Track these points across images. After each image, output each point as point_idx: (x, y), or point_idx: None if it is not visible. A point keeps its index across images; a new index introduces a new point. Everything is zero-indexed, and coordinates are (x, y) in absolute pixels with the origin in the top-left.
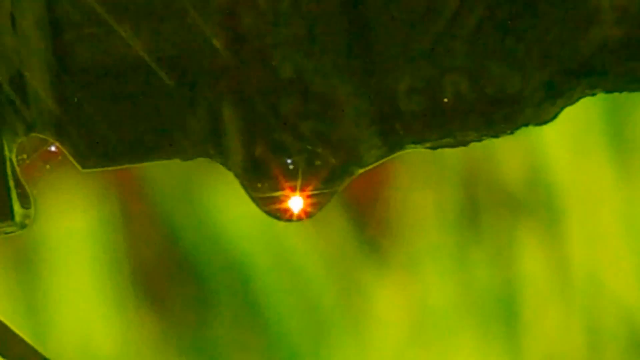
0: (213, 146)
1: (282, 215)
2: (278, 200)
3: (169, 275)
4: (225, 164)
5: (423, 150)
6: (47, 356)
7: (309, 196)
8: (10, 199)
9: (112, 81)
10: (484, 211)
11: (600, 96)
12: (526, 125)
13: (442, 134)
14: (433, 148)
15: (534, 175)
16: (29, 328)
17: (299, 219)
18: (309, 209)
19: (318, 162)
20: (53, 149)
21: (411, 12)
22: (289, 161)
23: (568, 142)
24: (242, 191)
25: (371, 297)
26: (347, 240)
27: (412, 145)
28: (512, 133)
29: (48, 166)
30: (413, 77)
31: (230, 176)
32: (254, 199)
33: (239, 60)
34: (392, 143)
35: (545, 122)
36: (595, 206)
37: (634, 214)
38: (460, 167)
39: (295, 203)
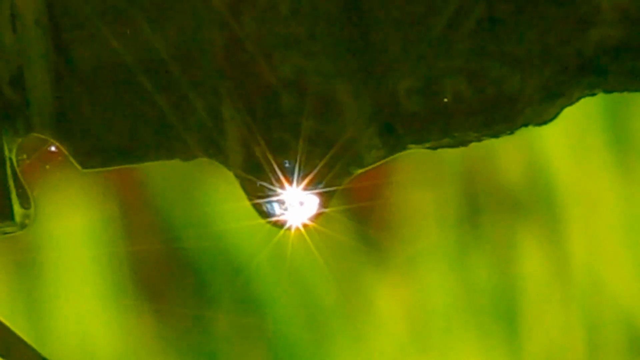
0: (213, 146)
1: (280, 215)
2: (277, 200)
3: (169, 275)
4: (225, 163)
5: (423, 150)
6: (47, 356)
7: (308, 196)
8: (10, 199)
9: (112, 81)
10: (484, 211)
11: (600, 96)
12: (526, 125)
13: (442, 134)
14: (433, 148)
15: (534, 175)
16: (29, 328)
17: (299, 219)
18: (308, 209)
19: (318, 162)
20: (53, 149)
21: (411, 12)
22: (288, 161)
23: (568, 142)
24: (242, 191)
25: (371, 297)
26: (348, 240)
27: (412, 145)
28: (512, 133)
29: (48, 166)
30: (413, 77)
31: (230, 176)
32: (251, 198)
33: (239, 60)
34: (392, 143)
35: (545, 122)
36: (595, 206)
37: (634, 214)
38: (460, 167)
39: (295, 203)
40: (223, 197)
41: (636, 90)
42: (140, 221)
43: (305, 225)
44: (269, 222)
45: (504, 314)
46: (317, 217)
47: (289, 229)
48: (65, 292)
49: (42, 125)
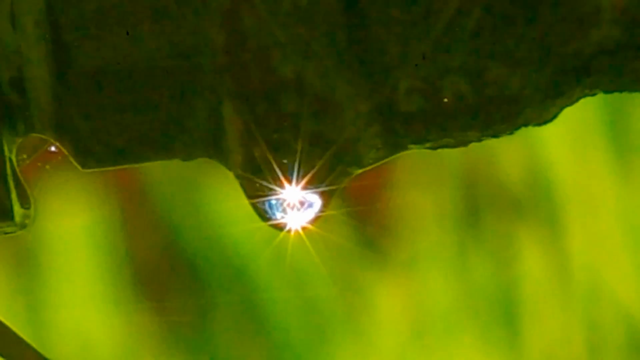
0: (213, 146)
1: (280, 216)
2: (276, 200)
3: (169, 275)
4: (225, 164)
5: (423, 150)
6: (47, 356)
7: (308, 196)
8: (10, 199)
9: (112, 81)
10: (484, 211)
11: (600, 96)
12: (526, 125)
13: (442, 134)
14: (433, 148)
15: (534, 175)
16: (29, 328)
17: (298, 221)
18: (308, 211)
19: (317, 163)
20: (53, 149)
21: (411, 12)
22: (288, 161)
23: (568, 142)
24: (241, 192)
25: (371, 297)
26: (347, 240)
27: (412, 146)
28: (512, 133)
29: (48, 166)
30: (413, 77)
31: (230, 176)
32: (250, 198)
33: (239, 60)
34: (392, 143)
35: (545, 122)
36: (595, 206)
37: (634, 214)
38: (460, 168)
39: (294, 204)
40: (223, 198)
41: (636, 91)
42: (140, 221)
43: (304, 228)
44: (269, 225)
45: (504, 314)
46: (316, 219)
47: (289, 231)
48: (65, 292)
49: (42, 125)
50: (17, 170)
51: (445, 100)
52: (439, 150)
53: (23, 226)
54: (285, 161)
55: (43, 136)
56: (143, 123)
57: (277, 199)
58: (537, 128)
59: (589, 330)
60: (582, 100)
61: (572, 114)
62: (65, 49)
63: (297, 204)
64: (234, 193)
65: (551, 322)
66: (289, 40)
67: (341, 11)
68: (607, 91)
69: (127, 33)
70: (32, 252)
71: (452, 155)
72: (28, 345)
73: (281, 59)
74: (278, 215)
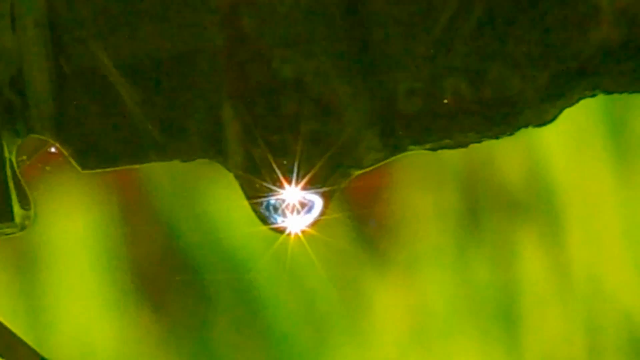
0: (213, 147)
1: (280, 218)
2: (276, 201)
3: (169, 276)
4: (225, 164)
5: (423, 151)
6: (47, 356)
7: (307, 197)
8: (10, 200)
9: (112, 82)
10: (484, 212)
11: (600, 96)
12: (526, 126)
13: (442, 136)
14: (433, 149)
15: (534, 176)
16: (29, 328)
17: (298, 225)
18: (307, 214)
19: (317, 163)
20: (53, 150)
21: (411, 13)
22: (287, 162)
23: (568, 143)
24: (241, 195)
25: (371, 297)
26: (347, 241)
27: (412, 147)
28: (511, 134)
29: (48, 167)
30: (413, 79)
31: (230, 177)
32: (250, 198)
33: (239, 60)
34: (392, 144)
35: (545, 123)
36: (595, 206)
37: (634, 214)
38: (460, 169)
39: (294, 205)
40: (223, 200)
41: (636, 91)
42: (140, 222)
43: (304, 231)
44: (269, 228)
45: (504, 315)
46: (316, 221)
47: (289, 234)
48: (65, 293)
49: (41, 126)
50: (17, 171)
51: (446, 101)
52: (440, 151)
53: (23, 227)
54: (285, 162)
55: (43, 137)
56: (142, 124)
57: (277, 200)
58: (537, 129)
59: (589, 330)
60: (582, 101)
61: (572, 115)
62: (65, 49)
63: (297, 205)
64: (234, 195)
65: (551, 323)
66: (289, 40)
67: (341, 12)
68: (607, 91)
69: (127, 34)
70: (33, 253)
71: (452, 157)
72: (28, 346)
73: (281, 59)
74: (278, 218)
